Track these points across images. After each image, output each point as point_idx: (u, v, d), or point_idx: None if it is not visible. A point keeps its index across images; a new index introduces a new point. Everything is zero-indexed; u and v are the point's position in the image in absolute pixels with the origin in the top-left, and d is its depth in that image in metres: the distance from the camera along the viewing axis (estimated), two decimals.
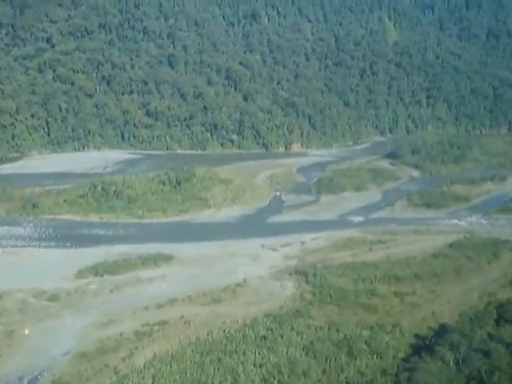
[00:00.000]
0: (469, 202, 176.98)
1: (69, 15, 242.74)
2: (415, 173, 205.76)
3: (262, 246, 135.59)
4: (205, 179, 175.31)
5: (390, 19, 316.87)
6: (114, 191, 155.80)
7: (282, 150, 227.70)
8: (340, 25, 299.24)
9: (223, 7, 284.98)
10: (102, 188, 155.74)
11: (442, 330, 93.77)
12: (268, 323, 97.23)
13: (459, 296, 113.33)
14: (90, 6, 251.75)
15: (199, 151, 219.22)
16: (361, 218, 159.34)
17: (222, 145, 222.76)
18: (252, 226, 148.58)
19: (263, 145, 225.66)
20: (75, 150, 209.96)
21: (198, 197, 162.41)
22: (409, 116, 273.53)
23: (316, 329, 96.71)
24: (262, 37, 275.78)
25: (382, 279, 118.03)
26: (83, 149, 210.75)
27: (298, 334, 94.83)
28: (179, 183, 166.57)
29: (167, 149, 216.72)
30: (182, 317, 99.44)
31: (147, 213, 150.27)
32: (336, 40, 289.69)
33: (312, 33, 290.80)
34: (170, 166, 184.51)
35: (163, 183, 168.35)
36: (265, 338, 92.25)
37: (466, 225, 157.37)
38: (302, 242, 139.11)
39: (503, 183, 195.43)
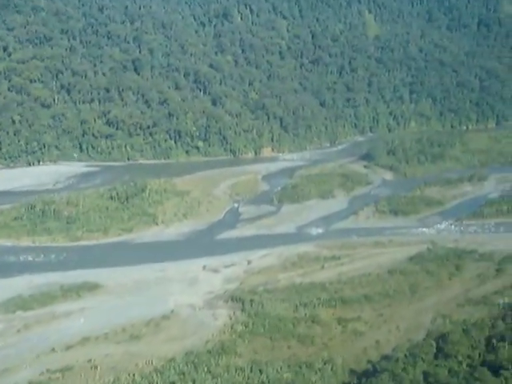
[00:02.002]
0: (442, 206, 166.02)
1: (27, 21, 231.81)
2: (389, 175, 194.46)
3: (204, 267, 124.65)
4: (158, 192, 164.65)
5: (370, 12, 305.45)
6: (53, 211, 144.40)
7: (251, 155, 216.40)
8: (317, 20, 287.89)
9: (193, 7, 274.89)
10: (40, 208, 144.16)
11: (375, 369, 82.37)
12: (182, 365, 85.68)
13: (410, 320, 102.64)
14: (50, 12, 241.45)
15: (162, 160, 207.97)
16: (320, 230, 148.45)
17: (186, 152, 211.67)
18: (198, 244, 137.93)
19: (231, 151, 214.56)
20: (29, 164, 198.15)
21: (147, 213, 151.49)
22: (390, 113, 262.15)
23: (236, 370, 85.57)
24: (235, 36, 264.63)
25: (327, 303, 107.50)
26: (38, 163, 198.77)
27: (213, 377, 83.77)
28: (127, 198, 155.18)
29: (128, 159, 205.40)
30: (90, 360, 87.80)
31: (86, 234, 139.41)
32: (313, 36, 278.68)
33: (287, 30, 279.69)
34: (125, 179, 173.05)
35: (112, 199, 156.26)
36: None
37: (435, 233, 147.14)
38: (249, 261, 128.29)
39: (482, 184, 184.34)
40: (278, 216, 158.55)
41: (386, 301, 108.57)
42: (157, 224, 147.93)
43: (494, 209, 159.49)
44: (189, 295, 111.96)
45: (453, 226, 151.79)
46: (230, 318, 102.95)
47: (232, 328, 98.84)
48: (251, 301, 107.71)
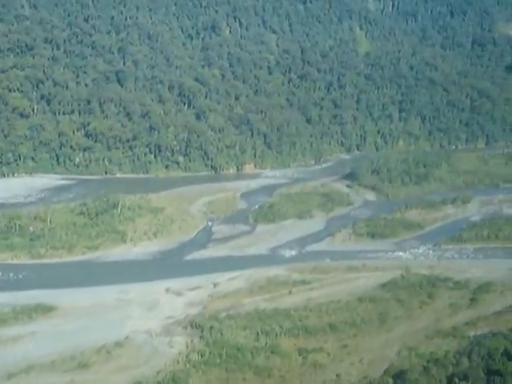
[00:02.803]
0: (421, 229, 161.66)
1: (9, 30, 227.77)
2: (371, 196, 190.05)
3: (167, 290, 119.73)
4: (131, 209, 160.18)
5: (361, 29, 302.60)
6: (18, 226, 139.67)
7: (233, 171, 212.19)
8: (307, 36, 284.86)
9: (181, 19, 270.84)
10: (5, 223, 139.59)
11: None
12: None
13: (375, 352, 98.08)
14: (35, 21, 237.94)
15: (141, 175, 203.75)
16: (293, 252, 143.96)
17: (166, 167, 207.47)
18: (165, 265, 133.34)
19: (212, 167, 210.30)
20: (3, 175, 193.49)
21: (116, 230, 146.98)
22: (378, 131, 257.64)
23: None
24: (222, 50, 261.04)
25: (290, 332, 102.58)
26: (12, 174, 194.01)
27: None
28: (97, 214, 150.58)
29: (106, 173, 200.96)
30: None
31: (50, 251, 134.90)
32: (302, 52, 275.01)
33: (277, 44, 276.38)
34: (99, 194, 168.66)
35: (82, 214, 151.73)
36: None
37: (411, 257, 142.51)
38: (215, 284, 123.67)
39: (465, 206, 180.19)
40: (251, 236, 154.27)
41: (352, 330, 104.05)
42: (125, 242, 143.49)
43: (474, 233, 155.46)
44: (147, 320, 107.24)
45: (430, 251, 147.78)
46: (187, 346, 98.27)
47: (187, 357, 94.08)
48: (211, 328, 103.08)
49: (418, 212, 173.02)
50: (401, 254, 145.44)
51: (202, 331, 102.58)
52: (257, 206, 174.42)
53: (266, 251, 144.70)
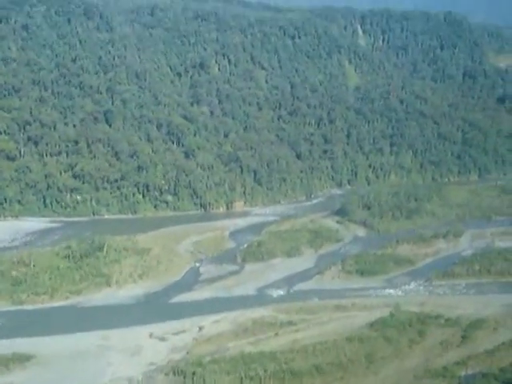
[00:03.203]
0: (412, 265, 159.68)
1: None
2: (362, 231, 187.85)
3: (150, 335, 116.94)
4: (117, 250, 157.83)
5: (350, 63, 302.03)
6: (0, 271, 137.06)
7: (222, 209, 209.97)
8: (296, 71, 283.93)
9: (170, 57, 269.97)
10: None
11: None
12: None
13: None
14: (22, 62, 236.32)
15: (129, 215, 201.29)
16: (281, 292, 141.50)
17: (155, 207, 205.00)
18: (150, 308, 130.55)
19: (201, 205, 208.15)
20: None
21: (101, 273, 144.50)
22: (369, 165, 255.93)
23: None
24: (211, 86, 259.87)
25: (275, 375, 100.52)
26: None
27: None
28: (82, 257, 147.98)
29: (93, 214, 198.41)
30: None
31: (32, 297, 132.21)
32: (291, 87, 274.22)
33: (266, 81, 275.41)
34: (85, 236, 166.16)
35: (67, 258, 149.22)
36: None
37: (402, 294, 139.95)
38: (200, 328, 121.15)
39: (457, 240, 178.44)
40: (239, 276, 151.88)
41: (338, 373, 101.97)
42: (109, 286, 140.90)
43: (466, 268, 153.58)
44: (128, 367, 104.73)
45: (421, 287, 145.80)
46: None
47: None
48: (193, 374, 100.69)
49: (408, 247, 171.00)
50: (391, 291, 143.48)
51: (184, 377, 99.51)
52: (245, 245, 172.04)
53: (254, 291, 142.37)
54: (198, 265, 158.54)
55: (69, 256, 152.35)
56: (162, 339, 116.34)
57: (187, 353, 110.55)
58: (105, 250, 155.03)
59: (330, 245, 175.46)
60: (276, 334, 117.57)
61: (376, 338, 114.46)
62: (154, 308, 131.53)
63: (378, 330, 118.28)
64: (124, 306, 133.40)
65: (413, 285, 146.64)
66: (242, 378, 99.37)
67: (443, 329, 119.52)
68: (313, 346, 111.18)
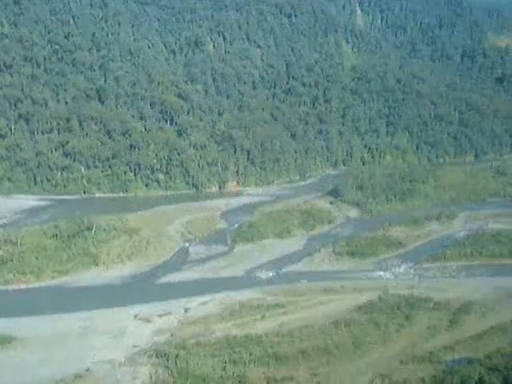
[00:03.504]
0: (403, 247, 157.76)
1: None
2: (354, 213, 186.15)
3: (136, 316, 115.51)
4: (106, 230, 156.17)
5: (347, 42, 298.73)
6: None
7: (215, 189, 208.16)
8: (292, 50, 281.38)
9: (164, 35, 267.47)
10: None
11: None
12: None
13: (347, 380, 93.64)
14: (14, 39, 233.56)
15: (120, 194, 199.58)
16: (270, 274, 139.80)
17: (146, 186, 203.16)
18: (137, 289, 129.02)
19: (193, 185, 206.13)
20: None
21: (88, 253, 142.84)
22: (365, 146, 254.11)
23: None
24: (206, 65, 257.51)
25: (259, 360, 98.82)
26: None
27: None
28: (69, 237, 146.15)
29: (84, 193, 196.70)
30: None
31: (18, 276, 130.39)
32: (287, 66, 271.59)
33: (261, 59, 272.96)
34: (75, 215, 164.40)
35: (55, 237, 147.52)
36: None
37: (392, 277, 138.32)
38: (186, 309, 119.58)
39: (450, 222, 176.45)
40: (228, 257, 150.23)
41: (324, 357, 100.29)
42: (97, 266, 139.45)
43: (457, 251, 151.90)
44: (111, 349, 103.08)
45: (412, 270, 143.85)
46: (151, 377, 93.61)
47: None
48: (177, 357, 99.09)
49: (400, 229, 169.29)
50: (381, 273, 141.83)
51: (167, 360, 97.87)
52: (236, 226, 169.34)
53: (242, 273, 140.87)
54: (187, 245, 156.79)
55: (57, 235, 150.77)
56: (147, 321, 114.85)
57: (171, 335, 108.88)
58: (93, 229, 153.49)
59: (321, 226, 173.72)
60: (263, 317, 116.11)
61: (364, 323, 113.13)
62: (141, 289, 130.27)
63: (367, 313, 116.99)
64: (110, 286, 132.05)
65: (403, 267, 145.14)
66: (225, 362, 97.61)
67: (432, 313, 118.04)
68: (299, 330, 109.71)
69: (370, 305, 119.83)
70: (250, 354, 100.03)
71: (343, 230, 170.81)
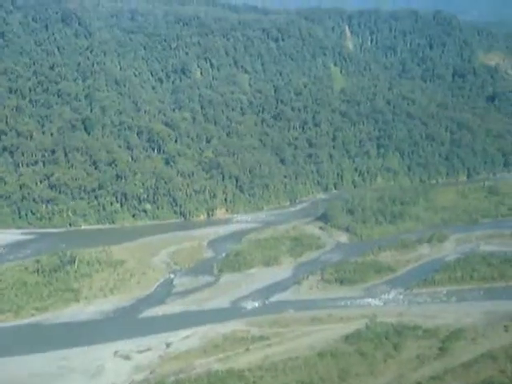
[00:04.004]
0: (393, 272, 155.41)
1: None
2: (344, 238, 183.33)
3: (115, 353, 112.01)
4: (90, 263, 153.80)
5: (335, 65, 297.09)
6: None
7: (203, 217, 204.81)
8: (280, 74, 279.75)
9: (151, 62, 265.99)
10: None
11: None
12: None
13: None
14: None
15: (107, 225, 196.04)
16: (256, 304, 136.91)
17: (133, 216, 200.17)
18: (118, 324, 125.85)
19: (181, 213, 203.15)
20: None
21: (70, 288, 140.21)
22: (356, 169, 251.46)
23: None
24: (193, 92, 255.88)
25: None
26: None
27: None
28: (51, 272, 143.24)
29: (70, 225, 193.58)
30: None
31: None
32: (275, 91, 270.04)
33: (249, 84, 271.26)
34: (59, 248, 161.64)
35: (36, 272, 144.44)
36: None
37: (381, 304, 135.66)
38: (168, 344, 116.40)
39: (441, 245, 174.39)
40: (214, 288, 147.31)
41: None
42: (78, 301, 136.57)
43: (448, 275, 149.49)
44: None
45: (401, 296, 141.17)
46: None
47: None
48: None
49: (390, 253, 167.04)
50: (370, 300, 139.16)
51: None
52: (223, 255, 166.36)
53: (228, 304, 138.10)
54: (172, 277, 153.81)
55: (38, 270, 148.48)
56: (127, 358, 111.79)
57: (151, 372, 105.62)
58: (76, 263, 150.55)
59: (310, 253, 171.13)
60: (247, 350, 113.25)
61: (350, 353, 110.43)
62: (122, 324, 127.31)
63: (353, 343, 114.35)
64: (91, 322, 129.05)
65: (393, 293, 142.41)
66: None
67: (420, 341, 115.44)
68: (284, 363, 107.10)
69: (357, 334, 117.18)
70: None
71: (332, 256, 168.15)
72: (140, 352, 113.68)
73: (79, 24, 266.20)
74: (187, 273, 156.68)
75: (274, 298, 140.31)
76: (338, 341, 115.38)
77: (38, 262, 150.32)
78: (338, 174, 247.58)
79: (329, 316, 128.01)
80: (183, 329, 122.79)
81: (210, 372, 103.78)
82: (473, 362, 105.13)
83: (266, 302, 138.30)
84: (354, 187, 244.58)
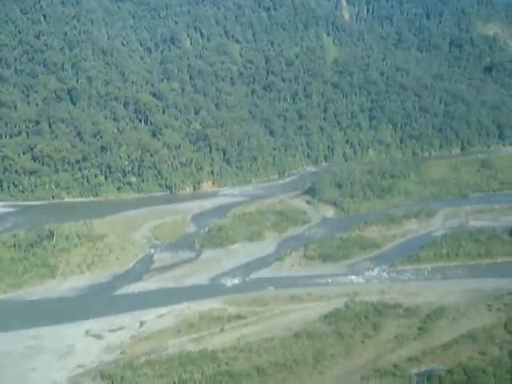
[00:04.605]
0: (378, 248, 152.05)
1: None
2: (331, 212, 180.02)
3: (87, 332, 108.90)
4: (69, 238, 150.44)
5: (328, 35, 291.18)
6: None
7: (189, 190, 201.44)
8: (271, 44, 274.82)
9: (139, 32, 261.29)
10: None
11: None
12: None
13: None
14: None
15: (91, 198, 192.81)
16: (237, 281, 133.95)
17: (118, 189, 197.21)
18: (93, 302, 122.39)
19: (166, 186, 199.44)
20: None
21: (47, 264, 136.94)
22: (347, 141, 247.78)
23: None
24: (182, 62, 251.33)
25: (212, 378, 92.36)
26: None
27: None
28: (28, 247, 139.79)
29: (53, 197, 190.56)
30: None
31: None
32: (266, 61, 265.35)
33: (240, 54, 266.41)
34: (39, 222, 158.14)
35: (13, 247, 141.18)
36: None
37: (363, 281, 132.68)
38: (142, 323, 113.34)
39: (429, 220, 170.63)
40: (194, 264, 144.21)
41: (281, 373, 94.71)
42: (54, 277, 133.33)
43: (433, 251, 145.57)
44: (54, 371, 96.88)
45: (385, 273, 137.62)
46: None
47: None
48: (122, 378, 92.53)
49: (377, 229, 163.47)
50: (352, 277, 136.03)
51: (112, 382, 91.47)
52: (206, 229, 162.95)
53: (207, 281, 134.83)
54: (152, 252, 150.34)
55: (15, 245, 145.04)
56: (98, 337, 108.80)
57: (121, 353, 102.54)
58: (54, 238, 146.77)
59: (295, 228, 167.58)
60: (222, 330, 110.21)
61: (327, 334, 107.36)
62: (97, 301, 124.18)
63: (332, 323, 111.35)
64: (66, 299, 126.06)
65: (376, 270, 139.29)
66: (174, 383, 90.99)
67: (400, 320, 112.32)
68: (258, 344, 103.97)
69: (335, 314, 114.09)
70: (202, 373, 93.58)
71: (317, 232, 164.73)
72: (112, 331, 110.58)
73: None
74: (168, 248, 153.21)
75: (255, 275, 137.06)
76: (316, 320, 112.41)
77: (14, 236, 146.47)
78: (328, 147, 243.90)
79: (308, 294, 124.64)
80: (159, 307, 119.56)
81: (182, 353, 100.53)
82: (452, 343, 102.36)
83: (247, 279, 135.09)
84: (345, 160, 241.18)
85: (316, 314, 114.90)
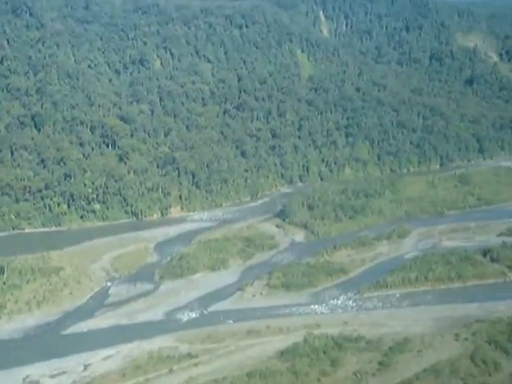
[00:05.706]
0: (346, 274, 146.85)
1: None
2: (300, 236, 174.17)
3: (25, 379, 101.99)
4: (22, 272, 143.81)
5: (302, 51, 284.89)
6: None
7: (156, 216, 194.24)
8: (244, 62, 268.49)
9: (107, 53, 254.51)
10: None
11: None
12: None
13: None
14: None
15: (53, 228, 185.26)
16: (194, 315, 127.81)
17: (81, 217, 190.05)
18: (37, 344, 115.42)
19: (132, 213, 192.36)
20: None
21: None
22: (322, 160, 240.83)
23: None
24: (152, 83, 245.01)
25: None
26: None
27: None
28: None
29: (13, 228, 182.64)
30: None
31: None
32: (239, 80, 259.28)
33: (212, 74, 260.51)
34: None
35: None
36: None
37: (327, 311, 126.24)
38: (86, 366, 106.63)
39: (400, 242, 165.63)
40: (151, 297, 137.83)
41: None
42: None
43: (401, 276, 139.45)
44: None
45: (350, 301, 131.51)
46: None
47: None
48: None
49: (346, 253, 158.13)
50: (316, 307, 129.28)
51: None
52: (168, 259, 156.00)
53: (162, 316, 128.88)
54: (108, 285, 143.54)
55: None
56: None
57: None
58: (5, 273, 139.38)
59: (261, 254, 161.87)
60: (170, 371, 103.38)
61: (282, 372, 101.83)
62: (42, 343, 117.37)
63: (288, 360, 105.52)
64: (8, 341, 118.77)
65: (341, 299, 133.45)
66: None
67: (361, 354, 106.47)
68: None
69: (293, 349, 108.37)
70: None
71: (285, 257, 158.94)
72: (53, 376, 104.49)
73: (30, 15, 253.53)
74: (126, 280, 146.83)
75: (214, 308, 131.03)
76: (271, 357, 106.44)
77: None
78: (303, 166, 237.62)
79: (267, 327, 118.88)
80: (107, 347, 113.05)
81: None
82: (413, 379, 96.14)
83: (205, 312, 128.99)
84: (321, 179, 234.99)
85: (273, 350, 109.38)
